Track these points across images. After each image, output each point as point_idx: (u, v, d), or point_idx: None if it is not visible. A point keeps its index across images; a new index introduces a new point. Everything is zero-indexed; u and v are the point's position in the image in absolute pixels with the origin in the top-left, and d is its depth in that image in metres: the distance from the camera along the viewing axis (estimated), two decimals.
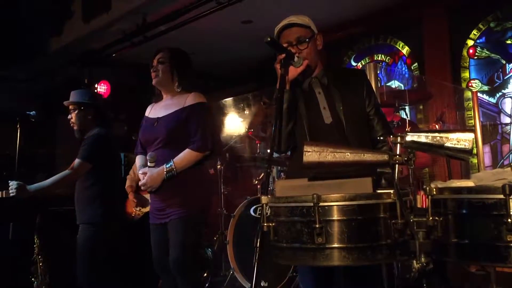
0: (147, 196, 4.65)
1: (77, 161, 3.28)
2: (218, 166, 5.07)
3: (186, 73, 2.96)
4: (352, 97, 2.37)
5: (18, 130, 3.42)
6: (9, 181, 3.19)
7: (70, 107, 3.43)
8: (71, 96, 3.46)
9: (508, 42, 5.21)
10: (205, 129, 2.84)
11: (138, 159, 3.02)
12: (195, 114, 2.83)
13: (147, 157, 2.84)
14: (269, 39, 2.13)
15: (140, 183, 2.86)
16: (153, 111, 3.01)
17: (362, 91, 2.40)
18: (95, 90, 6.94)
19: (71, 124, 3.45)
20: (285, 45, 2.33)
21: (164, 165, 2.77)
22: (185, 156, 2.78)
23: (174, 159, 2.77)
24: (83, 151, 3.30)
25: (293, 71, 2.28)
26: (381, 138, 2.38)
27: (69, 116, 3.44)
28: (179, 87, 2.94)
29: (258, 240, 1.70)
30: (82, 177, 3.33)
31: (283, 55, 2.23)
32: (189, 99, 2.88)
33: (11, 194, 3.17)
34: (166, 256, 2.80)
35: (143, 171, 2.85)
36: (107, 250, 3.30)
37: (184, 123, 2.83)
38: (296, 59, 2.28)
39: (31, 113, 3.47)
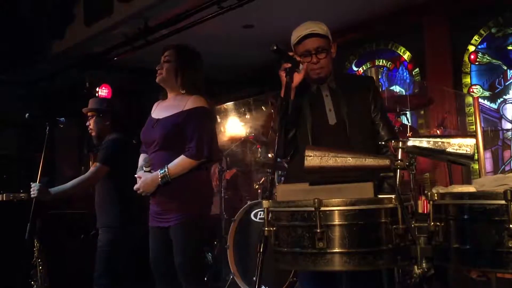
0: None
1: (96, 165, 3.34)
2: (218, 170, 5.08)
3: (190, 74, 2.86)
4: (358, 101, 2.42)
5: (47, 134, 3.46)
6: (31, 183, 3.24)
7: (89, 113, 3.53)
8: (90, 103, 3.57)
9: (510, 48, 5.21)
10: (202, 136, 2.73)
11: (141, 158, 2.97)
12: (192, 119, 2.74)
13: (141, 161, 2.82)
14: (275, 47, 2.15)
15: (135, 187, 2.82)
16: (157, 111, 2.94)
17: (368, 96, 2.45)
18: (96, 94, 6.95)
19: (89, 131, 3.54)
20: (302, 53, 2.37)
21: (159, 171, 2.72)
22: (179, 163, 2.71)
23: (168, 166, 2.70)
24: (101, 154, 3.36)
25: (297, 77, 2.30)
26: (385, 143, 2.39)
27: (88, 123, 3.53)
28: (183, 88, 2.84)
29: (261, 245, 1.70)
30: (101, 181, 3.38)
31: (289, 65, 2.25)
32: (189, 103, 2.78)
33: (32, 196, 3.22)
34: (164, 260, 2.79)
35: (139, 175, 2.82)
36: (126, 253, 3.34)
37: (181, 128, 2.75)
38: (301, 66, 2.31)
39: (60, 119, 3.54)
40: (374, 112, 2.44)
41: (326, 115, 2.39)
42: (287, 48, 2.39)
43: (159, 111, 2.92)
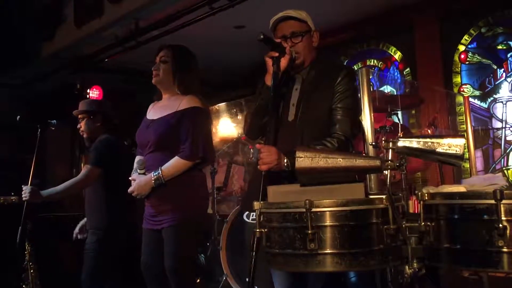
0: None
1: (87, 167, 3.31)
2: (210, 172, 5.07)
3: (187, 75, 2.84)
4: (321, 95, 2.28)
5: (38, 137, 3.43)
6: (23, 186, 3.22)
7: (79, 116, 3.51)
8: (80, 105, 3.55)
9: (499, 47, 5.24)
10: (196, 136, 2.71)
11: (136, 160, 2.93)
12: (186, 119, 2.72)
13: (136, 163, 2.78)
14: (262, 36, 2.13)
15: (129, 190, 2.79)
16: (152, 112, 2.92)
17: (333, 88, 2.27)
18: (88, 96, 6.91)
19: (81, 133, 3.52)
20: (279, 38, 2.31)
21: (152, 173, 2.70)
22: (173, 164, 2.69)
23: (162, 167, 2.68)
24: (92, 156, 3.34)
25: (283, 62, 2.23)
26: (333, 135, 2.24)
27: (79, 125, 3.52)
28: (179, 88, 2.83)
29: (254, 246, 1.69)
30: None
31: (277, 54, 2.20)
32: (183, 103, 2.77)
33: (24, 199, 3.20)
34: (155, 263, 2.76)
35: (133, 177, 2.79)
36: (113, 255, 3.32)
37: (175, 128, 2.73)
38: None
39: (52, 121, 3.52)
40: (333, 104, 2.26)
41: (289, 110, 2.30)
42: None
43: (154, 112, 2.91)
